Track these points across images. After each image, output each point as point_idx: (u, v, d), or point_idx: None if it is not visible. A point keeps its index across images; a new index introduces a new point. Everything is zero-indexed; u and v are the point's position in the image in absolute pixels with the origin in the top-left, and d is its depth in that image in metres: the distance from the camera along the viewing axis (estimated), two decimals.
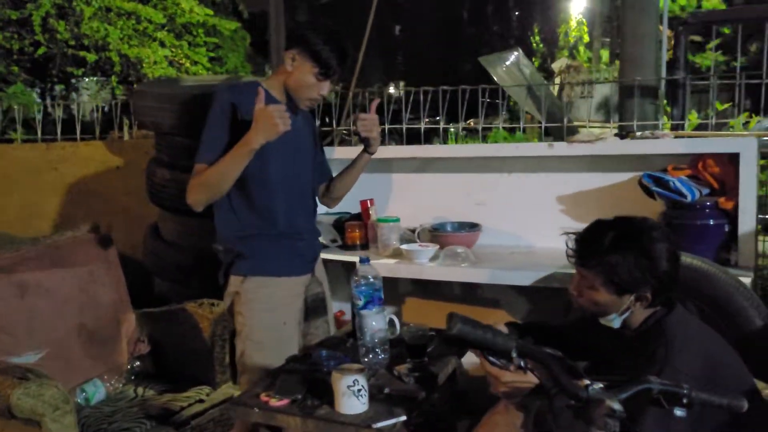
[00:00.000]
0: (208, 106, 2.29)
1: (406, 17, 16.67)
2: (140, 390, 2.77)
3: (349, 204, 3.62)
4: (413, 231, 3.41)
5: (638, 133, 2.85)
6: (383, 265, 3.04)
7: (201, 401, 2.68)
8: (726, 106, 3.86)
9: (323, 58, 2.21)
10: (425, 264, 2.97)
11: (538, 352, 1.41)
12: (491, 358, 1.67)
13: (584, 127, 4.43)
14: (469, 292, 3.41)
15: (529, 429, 1.78)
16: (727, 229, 2.71)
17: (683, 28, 4.01)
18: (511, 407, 1.79)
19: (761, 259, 3.29)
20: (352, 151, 3.58)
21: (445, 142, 6.93)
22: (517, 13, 20.22)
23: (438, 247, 3.02)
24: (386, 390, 2.01)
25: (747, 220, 2.64)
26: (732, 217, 2.70)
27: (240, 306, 2.36)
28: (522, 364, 1.42)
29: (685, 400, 1.45)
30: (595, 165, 3.11)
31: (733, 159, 2.69)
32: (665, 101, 4.55)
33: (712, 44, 6.38)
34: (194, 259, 3.52)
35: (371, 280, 2.21)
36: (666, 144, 2.83)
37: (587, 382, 1.41)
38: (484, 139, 6.84)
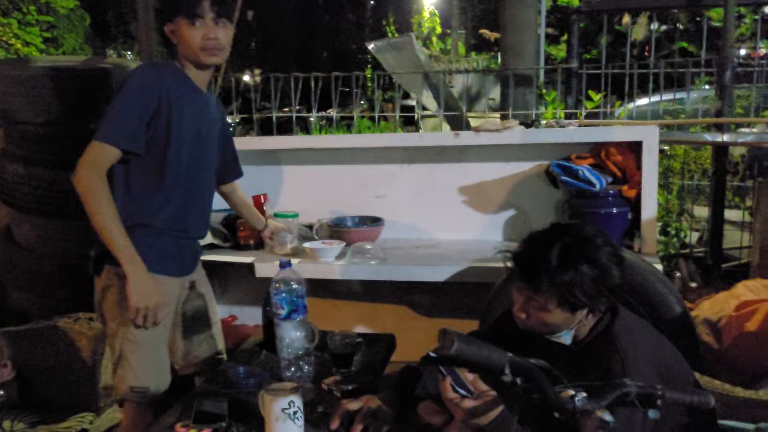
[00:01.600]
0: (80, 90, 2.00)
1: (260, 3, 16.17)
2: (6, 424, 2.35)
3: None
4: (310, 227, 3.20)
5: (543, 122, 2.83)
6: None
7: (84, 431, 2.32)
8: (601, 95, 3.97)
9: (184, 2, 2.03)
10: (332, 263, 2.77)
11: (527, 365, 1.28)
12: (457, 388, 1.54)
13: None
14: (370, 289, 3.26)
15: None
16: (629, 216, 2.75)
17: (575, 17, 4.08)
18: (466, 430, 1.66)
19: (658, 246, 3.42)
20: (274, 141, 3.33)
21: (305, 132, 6.73)
22: (372, 1, 20.27)
23: (344, 243, 2.83)
24: (320, 408, 1.81)
25: (649, 208, 2.69)
26: (634, 204, 2.74)
27: (113, 301, 2.07)
28: (511, 379, 1.27)
29: (659, 401, 1.39)
30: (498, 155, 3.06)
31: (634, 147, 2.74)
32: (542, 91, 4.65)
33: (605, 39, 6.63)
34: (58, 267, 3.09)
35: (294, 286, 1.98)
36: (572, 133, 2.82)
37: (572, 392, 1.30)
38: (348, 129, 6.71)
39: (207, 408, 1.76)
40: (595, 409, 1.27)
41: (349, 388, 1.89)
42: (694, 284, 3.10)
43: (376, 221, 3.08)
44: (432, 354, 1.67)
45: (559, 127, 2.85)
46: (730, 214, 4.28)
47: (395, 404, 1.77)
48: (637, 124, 3.15)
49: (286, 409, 1.66)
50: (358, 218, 3.15)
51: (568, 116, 3.60)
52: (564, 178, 2.74)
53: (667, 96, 4.28)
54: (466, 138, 2.89)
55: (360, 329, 3.28)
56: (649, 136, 2.66)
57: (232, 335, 3.11)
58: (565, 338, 1.66)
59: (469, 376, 1.56)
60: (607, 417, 1.25)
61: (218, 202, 3.37)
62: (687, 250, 3.63)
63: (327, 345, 2.07)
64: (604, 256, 1.58)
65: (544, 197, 3.04)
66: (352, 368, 2.06)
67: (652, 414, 1.38)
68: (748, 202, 4.00)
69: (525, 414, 1.57)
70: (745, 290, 2.35)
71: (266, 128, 6.32)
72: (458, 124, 3.86)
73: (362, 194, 3.26)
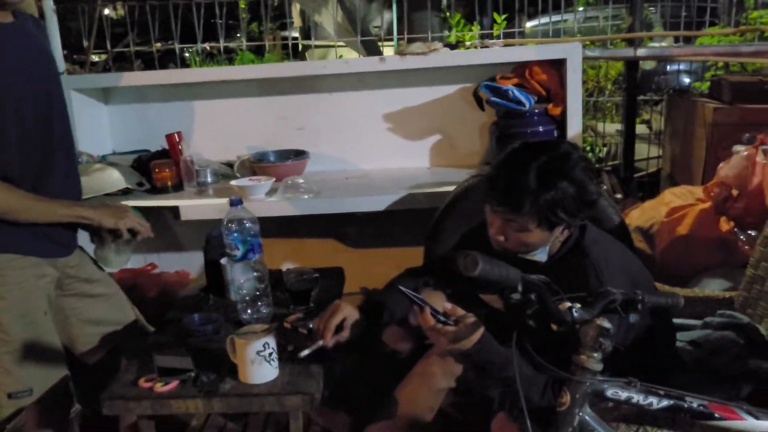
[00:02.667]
0: None
1: None
2: None
3: (148, 139, 3.13)
4: (230, 165, 3.04)
5: (467, 43, 2.78)
6: (211, 207, 2.67)
7: None
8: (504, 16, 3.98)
9: None
10: (262, 199, 2.65)
11: (536, 281, 1.27)
12: (437, 315, 1.53)
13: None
14: (295, 224, 3.16)
15: (469, 377, 1.67)
16: (555, 135, 2.80)
17: None
18: (449, 358, 1.66)
19: None
20: (182, 74, 3.07)
21: (183, 66, 6.34)
22: None
23: (273, 179, 2.71)
24: (290, 347, 1.74)
25: (574, 125, 2.75)
26: (559, 122, 2.79)
27: None
28: (520, 297, 1.26)
29: (639, 306, 1.43)
30: (422, 79, 3.00)
31: (557, 65, 2.77)
32: (445, 14, 4.59)
33: None
34: None
35: (247, 224, 1.88)
36: (498, 53, 2.81)
37: (569, 304, 1.31)
38: (231, 63, 6.39)
39: (169, 360, 1.65)
40: (593, 317, 1.29)
41: (310, 325, 1.83)
42: (619, 196, 3.24)
43: (300, 154, 2.97)
44: (403, 289, 1.65)
45: (483, 48, 2.82)
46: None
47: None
48: (560, 42, 3.18)
49: (261, 351, 1.59)
50: (280, 152, 3.02)
51: (482, 38, 3.58)
52: (493, 99, 2.73)
53: (556, 17, 4.38)
54: (391, 63, 2.81)
55: (288, 266, 3.20)
56: (573, 53, 2.69)
57: (154, 284, 2.95)
58: (541, 255, 1.67)
59: (447, 305, 1.55)
60: (606, 324, 1.27)
61: (128, 142, 3.16)
62: (601, 165, 3.78)
63: (283, 283, 1.99)
64: (580, 171, 1.59)
65: (469, 120, 3.04)
66: (310, 304, 1.99)
67: (633, 318, 1.42)
68: (645, 115, 4.20)
69: (508, 334, 1.58)
70: (673, 197, 2.47)
71: (147, 64, 5.90)
72: (374, 49, 3.75)
73: (282, 127, 3.12)
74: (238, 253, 1.86)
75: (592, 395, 1.29)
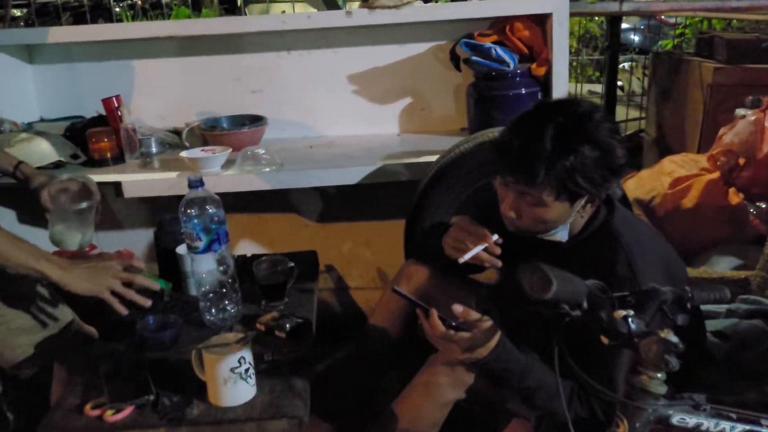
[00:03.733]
0: None
1: None
2: None
3: (81, 104, 2.76)
4: (177, 133, 2.70)
5: None
6: (159, 184, 2.35)
7: None
8: None
9: None
10: (218, 173, 2.34)
11: (598, 294, 1.04)
12: (451, 322, 1.31)
13: None
14: (252, 199, 2.86)
15: (481, 387, 1.45)
16: (539, 97, 2.57)
17: None
18: (457, 366, 1.42)
19: None
20: (119, 30, 2.67)
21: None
22: None
23: (229, 150, 2.39)
24: (267, 357, 1.48)
25: (561, 86, 2.51)
26: (543, 83, 2.56)
27: None
28: (580, 314, 1.02)
29: (688, 304, 1.22)
30: (391, 36, 2.71)
31: (540, 20, 2.52)
32: None
33: None
34: None
35: (210, 210, 1.58)
36: (478, 7, 2.53)
37: (623, 312, 1.08)
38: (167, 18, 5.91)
39: (122, 381, 1.36)
40: (657, 330, 1.07)
41: (289, 326, 1.56)
42: None
43: (257, 120, 2.65)
44: (401, 291, 1.41)
45: (460, 1, 2.54)
46: (595, 89, 4.32)
47: None
48: None
49: (237, 368, 1.32)
50: (235, 118, 2.69)
51: None
52: (475, 58, 2.46)
53: None
54: (359, 17, 2.50)
55: (247, 244, 2.91)
56: (560, 7, 2.44)
57: None
58: (561, 234, 1.44)
59: (458, 308, 1.31)
60: (673, 338, 1.05)
61: (58, 107, 2.77)
62: None
63: (253, 275, 1.71)
64: (605, 133, 1.35)
65: (443, 82, 2.77)
66: (285, 299, 1.72)
67: (681, 320, 1.21)
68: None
69: (531, 338, 1.35)
70: (674, 166, 2.29)
71: (77, 19, 5.40)
72: (333, 3, 3.42)
73: (236, 90, 2.79)
74: (201, 244, 1.56)
75: (655, 422, 1.07)
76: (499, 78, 2.53)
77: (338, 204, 2.87)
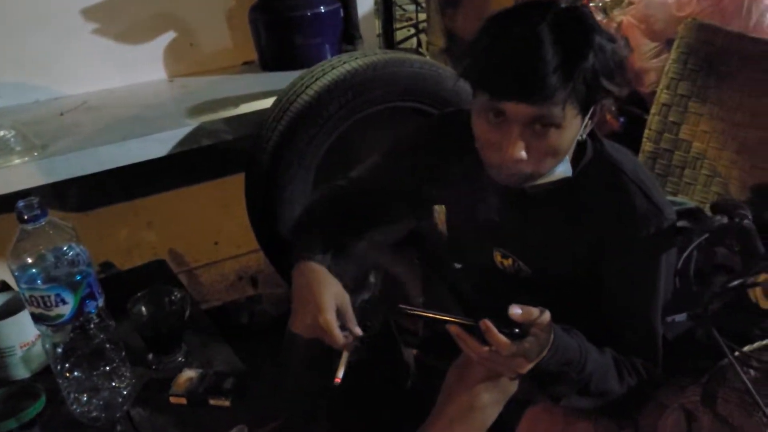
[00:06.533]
0: None
1: None
2: None
3: None
4: None
5: None
6: None
7: None
8: None
9: None
10: None
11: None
12: (505, 329, 0.96)
13: None
14: None
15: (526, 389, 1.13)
16: (342, 14, 2.19)
17: None
18: (502, 379, 1.07)
19: None
20: None
21: None
22: None
23: None
24: None
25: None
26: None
27: None
28: None
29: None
30: None
31: None
32: None
33: None
34: None
35: (71, 251, 0.93)
36: None
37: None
38: None
39: None
40: None
41: (231, 384, 1.05)
42: None
43: None
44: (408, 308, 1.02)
45: None
46: None
47: None
48: None
49: None
50: None
51: None
52: None
53: None
54: None
55: None
56: None
57: None
58: (564, 169, 1.11)
59: (516, 310, 0.96)
60: None
61: None
62: None
63: (132, 318, 1.11)
64: (596, 22, 1.06)
65: (210, 7, 2.21)
66: (183, 347, 1.17)
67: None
68: None
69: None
70: None
71: None
72: None
73: None
74: (67, 309, 0.93)
75: None
76: None
77: (102, 183, 2.17)
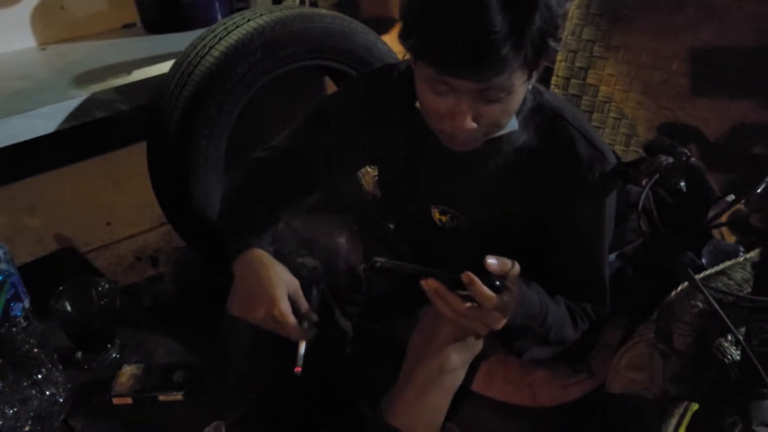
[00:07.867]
0: None
1: None
2: None
3: None
4: None
5: None
6: None
7: None
8: None
9: None
10: None
11: None
12: (488, 278, 0.92)
13: None
14: None
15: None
16: None
17: None
18: (468, 338, 1.05)
19: None
20: None
21: None
22: None
23: None
24: None
25: None
26: None
27: None
28: None
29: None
30: None
31: None
32: None
33: None
34: None
35: None
36: None
37: None
38: None
39: None
40: None
41: (180, 377, 0.96)
42: None
43: None
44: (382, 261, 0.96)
45: None
46: None
47: None
48: None
49: None
50: None
51: None
52: None
53: None
54: None
55: None
56: None
57: None
58: (513, 125, 1.09)
59: (493, 262, 0.93)
60: None
61: None
62: None
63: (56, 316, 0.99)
64: None
65: None
66: (116, 341, 1.06)
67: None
68: None
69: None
70: None
71: None
72: None
73: None
74: None
75: None
76: None
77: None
